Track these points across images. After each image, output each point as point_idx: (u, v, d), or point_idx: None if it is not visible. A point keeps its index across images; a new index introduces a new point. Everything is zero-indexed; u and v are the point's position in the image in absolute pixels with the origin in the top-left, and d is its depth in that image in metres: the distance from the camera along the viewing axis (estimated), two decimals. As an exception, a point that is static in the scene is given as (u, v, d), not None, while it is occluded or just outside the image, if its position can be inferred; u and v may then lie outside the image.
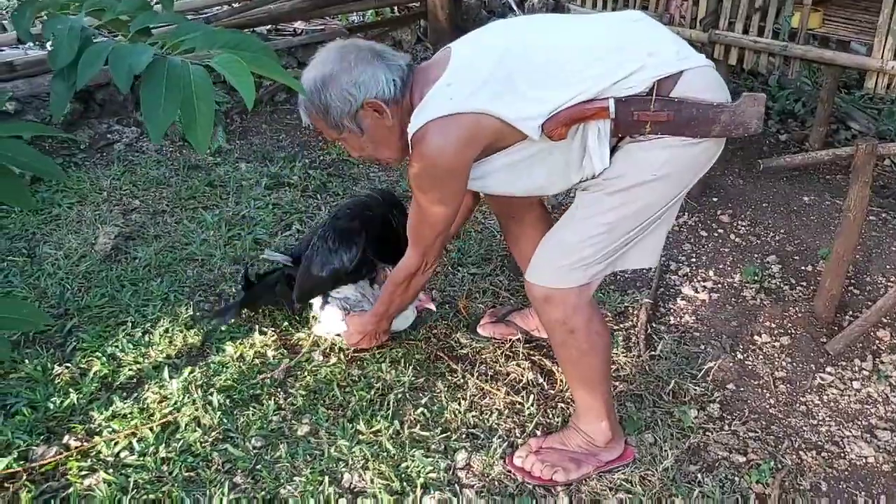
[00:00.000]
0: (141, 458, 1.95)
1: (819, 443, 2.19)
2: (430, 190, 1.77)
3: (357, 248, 2.25)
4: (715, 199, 3.52)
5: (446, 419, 2.13)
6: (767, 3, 3.46)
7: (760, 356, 2.52)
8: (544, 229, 2.01)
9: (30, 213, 3.05)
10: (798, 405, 2.33)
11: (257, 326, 2.45)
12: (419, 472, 1.95)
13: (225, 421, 2.08)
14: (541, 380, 2.31)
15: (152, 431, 2.02)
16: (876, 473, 2.10)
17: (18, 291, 2.57)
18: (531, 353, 2.41)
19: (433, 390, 2.24)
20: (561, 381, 2.29)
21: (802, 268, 3.02)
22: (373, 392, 2.20)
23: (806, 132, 4.20)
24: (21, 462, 1.92)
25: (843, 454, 2.16)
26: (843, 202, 2.53)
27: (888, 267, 3.02)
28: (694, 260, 3.05)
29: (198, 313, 2.48)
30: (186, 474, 1.92)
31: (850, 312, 2.73)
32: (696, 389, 2.32)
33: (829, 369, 2.48)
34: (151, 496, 1.85)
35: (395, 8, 5.57)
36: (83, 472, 1.91)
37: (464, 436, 2.09)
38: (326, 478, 1.92)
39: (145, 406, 2.12)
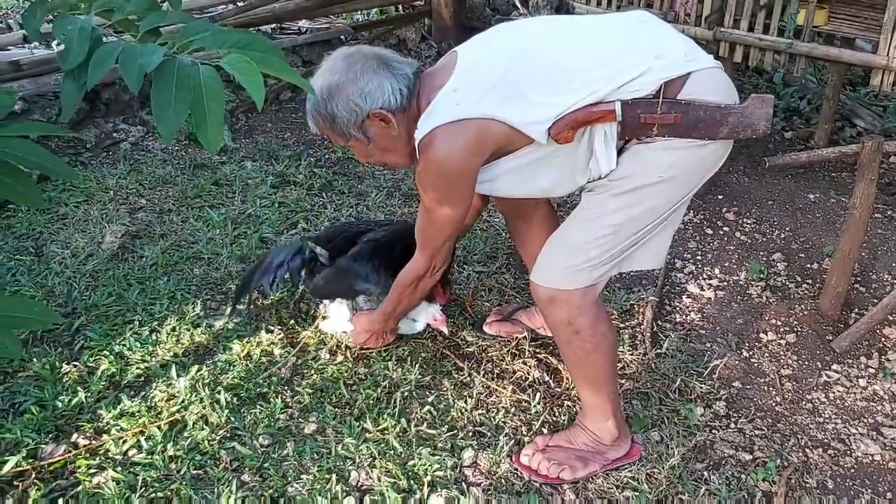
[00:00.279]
0: (149, 457, 1.96)
1: (825, 440, 2.19)
2: (438, 195, 1.77)
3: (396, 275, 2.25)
4: (720, 197, 3.52)
5: (453, 417, 2.14)
6: (772, 0, 3.46)
7: (766, 354, 2.52)
8: (551, 229, 2.02)
9: (37, 212, 3.07)
10: (804, 403, 2.33)
11: (264, 325, 2.45)
12: (426, 470, 1.95)
13: (232, 419, 2.08)
14: (547, 378, 2.31)
15: (160, 430, 2.03)
16: (882, 471, 2.10)
17: (26, 290, 2.58)
18: (537, 351, 2.41)
19: (440, 388, 2.24)
20: (567, 378, 2.29)
21: (808, 265, 3.02)
22: (379, 390, 2.21)
23: (811, 130, 4.20)
24: (30, 460, 1.93)
25: (849, 452, 2.16)
26: (848, 200, 2.53)
27: (894, 264, 3.02)
28: (699, 258, 3.05)
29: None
30: (194, 472, 1.93)
31: (856, 310, 2.73)
32: (702, 387, 2.32)
33: (834, 367, 2.48)
34: (160, 494, 1.86)
35: (400, 6, 5.57)
36: (92, 471, 1.92)
37: (470, 434, 2.09)
38: (334, 476, 1.93)
39: (153, 404, 2.13)
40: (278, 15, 4.70)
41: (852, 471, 2.10)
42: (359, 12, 5.68)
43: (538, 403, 2.20)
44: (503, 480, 1.96)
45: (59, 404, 2.10)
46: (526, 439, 2.08)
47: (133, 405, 2.11)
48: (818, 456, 2.13)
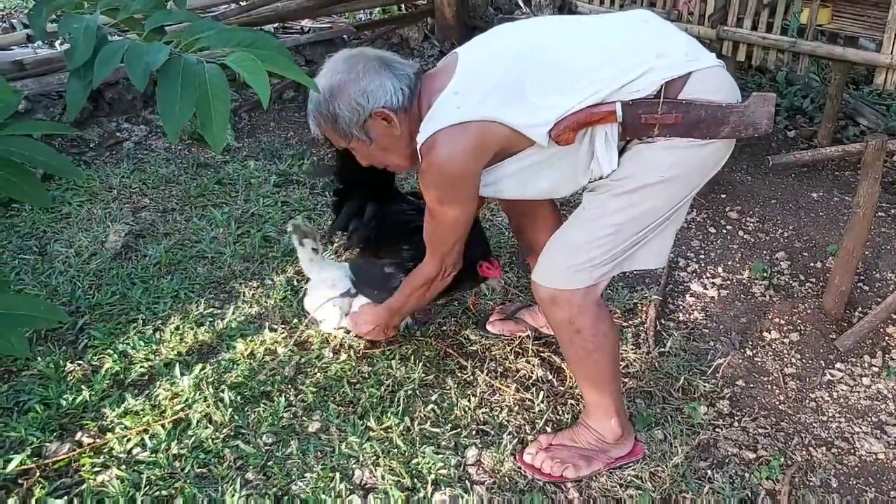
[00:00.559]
0: (153, 455, 1.96)
1: (829, 439, 2.19)
2: (443, 198, 1.77)
3: None
4: (723, 196, 3.52)
5: (456, 416, 2.14)
6: (776, -1, 3.46)
7: (770, 353, 2.52)
8: (554, 228, 2.01)
9: (40, 211, 3.07)
10: (808, 401, 2.33)
11: (267, 323, 2.46)
12: (430, 468, 1.95)
13: (236, 418, 2.09)
14: (550, 376, 2.31)
15: (164, 428, 2.04)
16: (886, 469, 2.10)
17: (30, 289, 2.59)
18: (540, 349, 2.41)
19: (443, 387, 2.24)
20: (570, 377, 2.29)
21: (811, 264, 3.02)
22: (383, 389, 2.21)
23: (814, 128, 4.20)
24: (34, 458, 1.93)
25: (853, 450, 2.15)
26: (851, 198, 2.53)
27: (898, 263, 3.02)
28: (703, 256, 3.05)
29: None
30: (198, 471, 1.93)
31: (860, 309, 2.73)
32: (705, 386, 2.32)
33: (838, 366, 2.48)
34: (164, 492, 1.86)
35: (403, 5, 5.58)
36: (96, 469, 1.92)
37: (474, 432, 2.09)
38: (337, 474, 1.93)
39: (157, 403, 2.13)
40: (281, 14, 4.71)
41: (856, 469, 2.10)
42: (361, 11, 5.69)
43: (541, 402, 2.20)
44: (507, 479, 1.96)
45: (64, 403, 2.11)
46: (529, 438, 2.08)
47: (137, 404, 2.12)
48: (822, 454, 2.13)
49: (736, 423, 2.21)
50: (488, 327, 2.49)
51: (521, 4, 5.67)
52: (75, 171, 1.24)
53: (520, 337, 2.45)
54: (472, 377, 2.29)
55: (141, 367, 2.26)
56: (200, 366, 2.26)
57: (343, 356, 2.34)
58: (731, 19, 3.66)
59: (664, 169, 1.71)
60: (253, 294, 2.62)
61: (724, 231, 3.24)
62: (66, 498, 1.84)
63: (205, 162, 3.62)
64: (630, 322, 2.59)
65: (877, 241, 3.15)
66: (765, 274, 2.90)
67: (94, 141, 3.76)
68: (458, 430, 2.09)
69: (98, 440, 2.01)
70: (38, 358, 2.26)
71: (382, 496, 1.88)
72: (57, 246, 2.86)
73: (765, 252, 3.09)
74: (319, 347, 2.37)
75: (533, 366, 2.34)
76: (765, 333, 2.61)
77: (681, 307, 2.73)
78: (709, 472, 2.02)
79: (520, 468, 1.99)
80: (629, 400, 2.23)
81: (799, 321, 2.66)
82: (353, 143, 1.84)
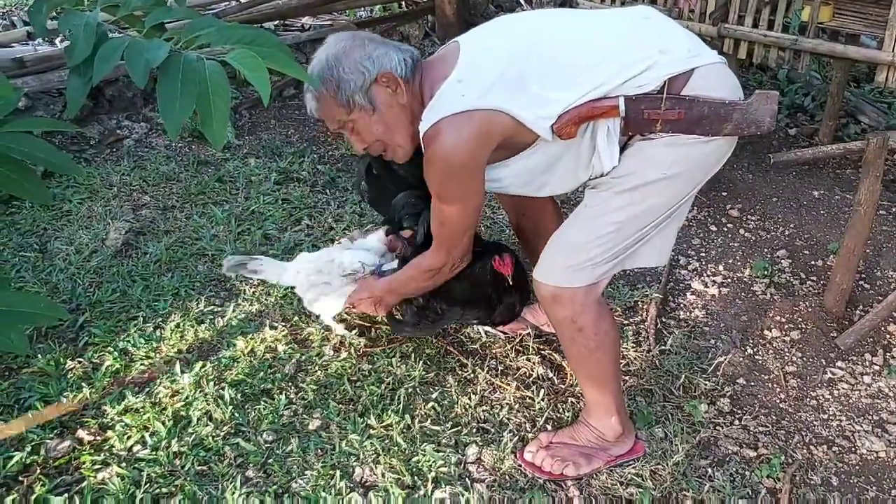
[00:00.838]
0: (153, 452, 1.96)
1: (830, 437, 2.19)
2: (449, 189, 1.76)
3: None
4: (724, 194, 3.51)
5: (457, 414, 2.14)
6: (777, -4, 3.45)
7: (770, 351, 2.52)
8: (555, 226, 2.01)
9: (41, 208, 3.07)
10: (808, 400, 2.33)
11: (267, 321, 2.45)
12: (430, 466, 1.95)
13: (236, 415, 2.09)
14: (551, 374, 2.31)
15: (164, 426, 2.03)
16: (887, 468, 2.10)
17: (31, 287, 2.59)
18: (541, 347, 2.41)
19: (444, 385, 2.24)
20: (571, 375, 2.29)
21: (812, 262, 3.02)
22: (383, 386, 2.21)
23: (815, 126, 4.19)
24: (35, 456, 1.93)
25: (853, 449, 2.15)
26: (852, 196, 2.52)
27: (899, 261, 3.01)
28: (703, 254, 3.05)
29: None
30: (199, 468, 1.93)
31: (861, 307, 2.73)
32: (706, 384, 2.32)
33: (839, 364, 2.48)
34: (164, 490, 1.86)
35: (403, 3, 5.57)
36: (96, 466, 1.92)
37: (474, 430, 2.09)
38: (338, 472, 1.93)
39: (157, 400, 2.13)
40: (281, 11, 4.71)
41: (857, 468, 2.09)
42: (362, 9, 5.68)
43: (542, 400, 2.20)
44: (507, 477, 1.96)
45: (64, 400, 2.10)
46: (530, 436, 2.08)
47: (137, 401, 2.12)
48: (822, 453, 2.13)
49: (737, 422, 2.21)
50: (489, 325, 2.49)
51: (522, 2, 5.66)
52: (76, 168, 1.23)
53: (520, 335, 2.45)
54: (472, 375, 2.29)
55: (141, 364, 2.26)
56: (201, 363, 2.26)
57: (343, 354, 2.34)
58: (732, 17, 3.66)
59: (666, 166, 1.71)
60: (253, 292, 2.62)
61: (725, 229, 3.24)
62: (66, 495, 1.84)
63: (205, 159, 3.61)
64: (631, 320, 2.59)
65: (878, 239, 3.15)
66: (766, 272, 2.89)
67: (95, 138, 3.75)
68: (459, 427, 2.09)
69: (98, 437, 2.01)
70: (39, 355, 2.26)
71: (383, 494, 1.88)
72: (57, 243, 2.86)
73: (766, 250, 3.08)
74: (320, 345, 2.37)
75: (533, 363, 2.34)
76: (766, 331, 2.61)
77: (681, 305, 2.72)
78: (709, 470, 2.02)
79: (520, 466, 1.99)
80: (630, 398, 2.23)
81: (800, 319, 2.66)
82: (353, 113, 1.79)
